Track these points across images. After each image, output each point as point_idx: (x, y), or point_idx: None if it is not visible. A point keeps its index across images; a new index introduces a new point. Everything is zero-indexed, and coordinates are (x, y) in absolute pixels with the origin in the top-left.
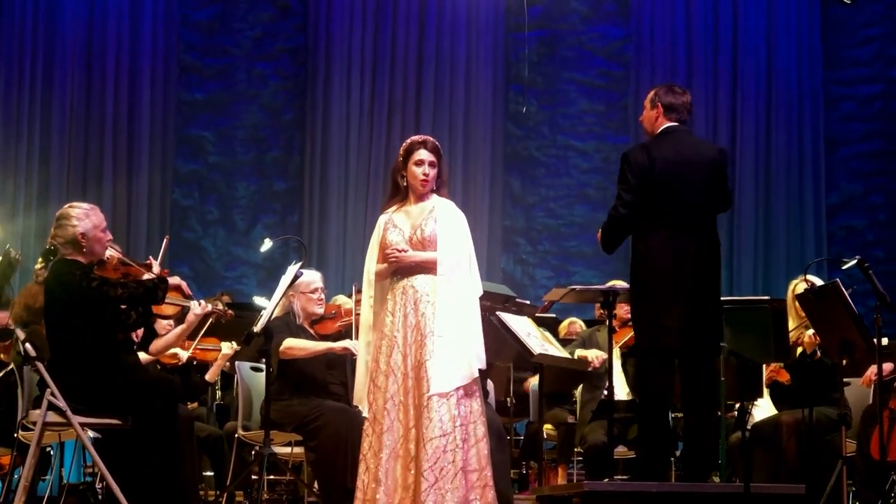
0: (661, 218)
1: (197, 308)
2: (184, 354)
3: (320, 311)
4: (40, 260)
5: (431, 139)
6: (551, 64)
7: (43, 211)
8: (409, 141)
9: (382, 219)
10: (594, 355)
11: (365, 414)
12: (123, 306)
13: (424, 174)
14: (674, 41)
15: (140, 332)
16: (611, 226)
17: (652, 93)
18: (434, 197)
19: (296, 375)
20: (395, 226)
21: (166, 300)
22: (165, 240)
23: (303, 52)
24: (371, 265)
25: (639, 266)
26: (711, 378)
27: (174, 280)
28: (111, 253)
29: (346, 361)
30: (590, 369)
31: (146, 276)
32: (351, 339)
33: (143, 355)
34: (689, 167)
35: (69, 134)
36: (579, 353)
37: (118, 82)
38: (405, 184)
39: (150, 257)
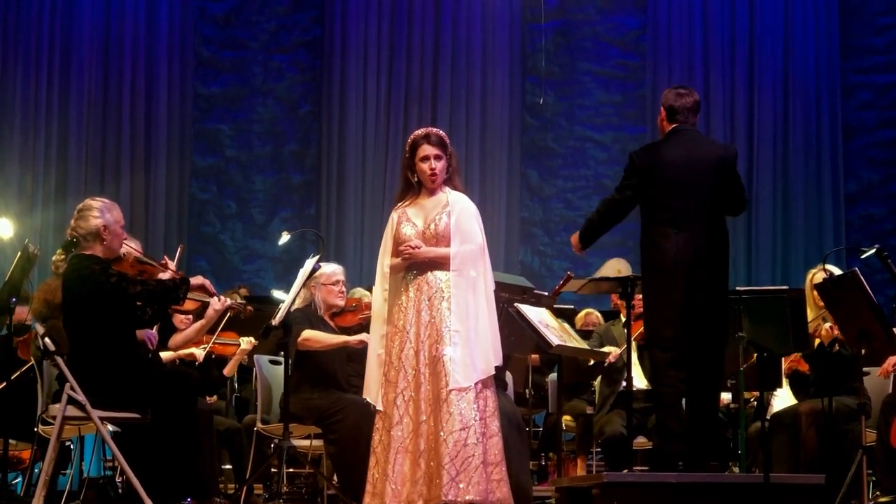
0: (663, 215)
1: (216, 303)
2: (200, 353)
3: (341, 302)
4: (60, 251)
5: (434, 131)
6: (568, 55)
7: (61, 206)
8: (412, 136)
9: (396, 213)
10: (609, 350)
11: (379, 407)
12: (140, 303)
13: (432, 169)
14: (690, 31)
15: (155, 339)
16: (598, 212)
17: (662, 96)
18: (447, 190)
19: (315, 368)
20: (409, 220)
21: (189, 298)
22: (180, 248)
23: (319, 45)
24: (385, 259)
25: (644, 262)
26: (714, 370)
27: (196, 280)
28: (127, 250)
29: (366, 354)
30: (608, 362)
31: (162, 276)
32: (369, 333)
33: (163, 354)
34: (693, 166)
35: (86, 129)
36: (612, 354)
37: (135, 76)
38: (416, 179)
39: (166, 256)
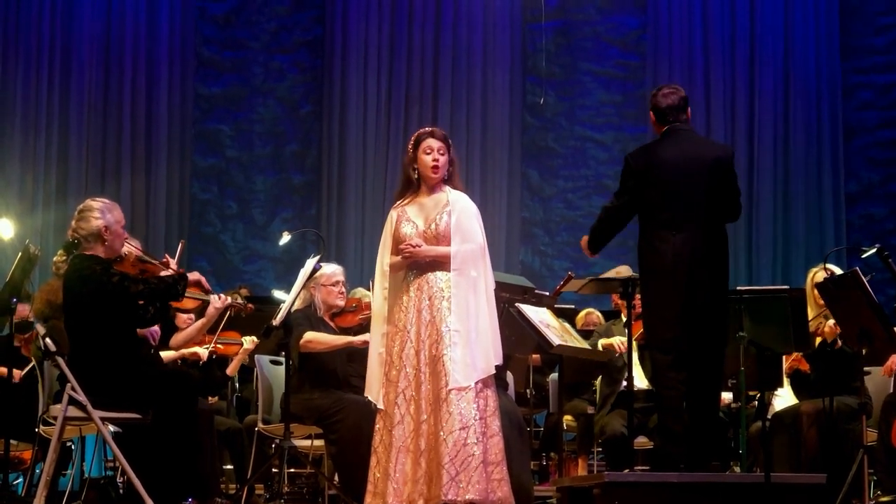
0: (661, 216)
1: (217, 301)
2: (204, 353)
3: (341, 303)
4: (61, 252)
5: (439, 129)
6: (568, 55)
7: (62, 206)
8: (417, 133)
9: (395, 212)
10: (619, 341)
11: (380, 406)
12: (142, 301)
13: (434, 160)
14: (691, 31)
15: (158, 335)
16: (599, 219)
17: (649, 100)
18: (447, 189)
19: (315, 368)
20: (409, 219)
21: (185, 295)
22: (181, 245)
23: (320, 45)
24: (384, 258)
25: (642, 264)
26: (714, 370)
27: (193, 276)
28: (129, 249)
29: (366, 354)
30: (617, 355)
31: (164, 274)
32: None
33: (165, 353)
34: (689, 166)
35: (87, 129)
36: (603, 342)
37: (136, 77)
38: (417, 175)
39: (167, 255)
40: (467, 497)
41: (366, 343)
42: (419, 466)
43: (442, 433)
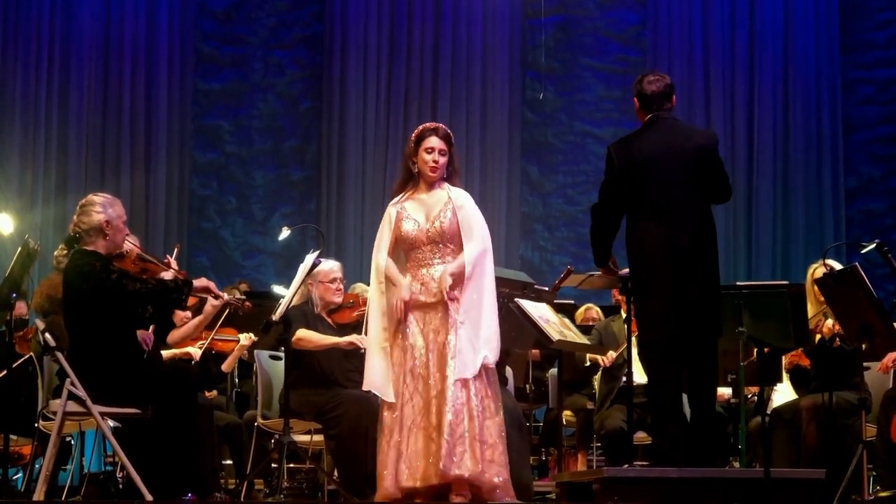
0: (646, 208)
1: (214, 299)
2: (196, 352)
3: (338, 299)
4: (62, 246)
5: (443, 126)
6: (568, 50)
7: (61, 202)
8: (420, 127)
9: (394, 208)
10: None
11: (387, 399)
12: (139, 300)
13: (434, 161)
14: (690, 25)
15: (151, 341)
16: (592, 225)
17: (633, 86)
18: (447, 186)
19: (312, 365)
20: (409, 216)
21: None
22: (176, 248)
23: (319, 41)
24: (381, 253)
25: (630, 258)
26: (707, 363)
27: (201, 282)
28: (129, 246)
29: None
30: (603, 364)
31: (164, 275)
32: (362, 332)
33: (163, 352)
34: (672, 155)
35: (87, 124)
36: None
37: (135, 72)
38: (416, 170)
39: (168, 256)
40: (458, 472)
41: (351, 345)
42: (431, 441)
43: (443, 411)
